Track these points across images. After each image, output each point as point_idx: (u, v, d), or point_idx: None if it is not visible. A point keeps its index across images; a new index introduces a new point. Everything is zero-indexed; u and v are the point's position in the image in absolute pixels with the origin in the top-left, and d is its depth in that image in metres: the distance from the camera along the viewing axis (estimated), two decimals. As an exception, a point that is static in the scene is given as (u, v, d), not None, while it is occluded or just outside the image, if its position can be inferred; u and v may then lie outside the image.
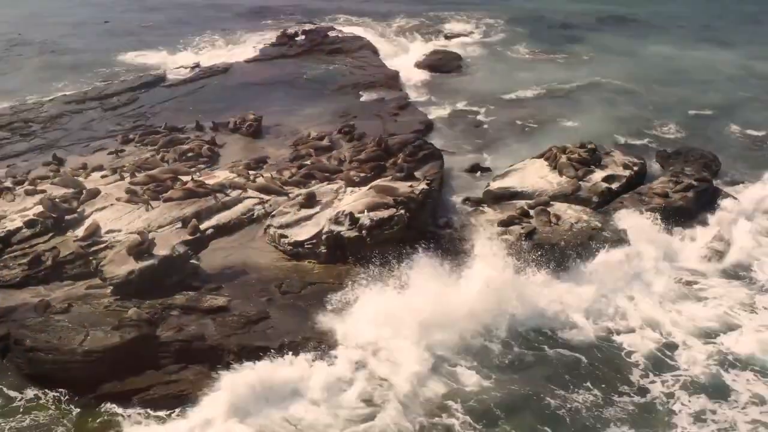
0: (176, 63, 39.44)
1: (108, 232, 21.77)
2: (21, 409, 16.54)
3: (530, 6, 54.35)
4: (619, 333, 18.48)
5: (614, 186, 24.19)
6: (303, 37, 44.22)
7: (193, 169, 25.84)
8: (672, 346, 18.05)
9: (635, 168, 25.39)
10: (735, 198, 24.44)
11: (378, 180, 23.99)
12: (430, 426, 15.61)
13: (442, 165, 26.91)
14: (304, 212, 22.01)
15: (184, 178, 24.36)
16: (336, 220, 20.83)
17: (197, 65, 38.46)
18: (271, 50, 42.32)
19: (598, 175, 24.51)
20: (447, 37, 46.04)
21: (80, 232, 21.71)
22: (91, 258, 20.91)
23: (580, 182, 24.04)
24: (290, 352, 17.32)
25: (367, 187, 22.72)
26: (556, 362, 17.35)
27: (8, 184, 24.89)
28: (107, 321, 18.33)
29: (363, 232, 20.26)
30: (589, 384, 16.75)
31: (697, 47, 43.55)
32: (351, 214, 20.61)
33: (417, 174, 24.49)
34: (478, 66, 40.86)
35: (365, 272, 19.44)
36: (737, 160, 28.60)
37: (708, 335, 18.43)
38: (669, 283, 20.18)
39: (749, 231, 22.85)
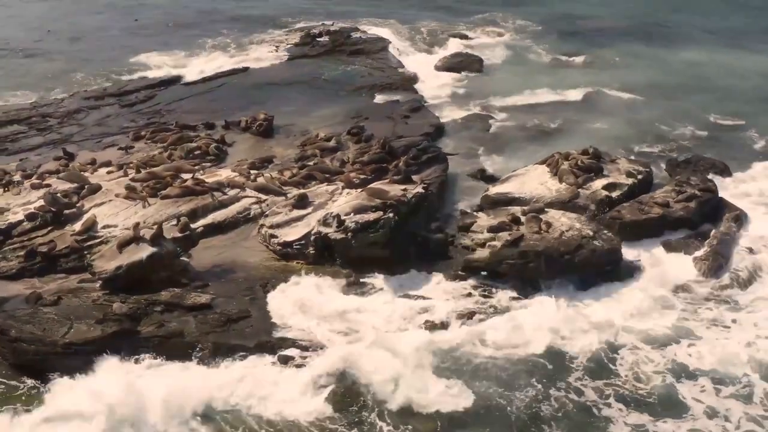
0: (195, 64, 39.84)
1: (104, 227, 22.21)
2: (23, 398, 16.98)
3: (561, 11, 53.60)
4: (572, 340, 18.33)
5: (615, 194, 23.80)
6: (326, 38, 44.36)
7: (197, 167, 26.15)
8: (623, 355, 17.89)
9: (639, 176, 24.95)
10: (741, 210, 23.76)
11: (376, 182, 24.00)
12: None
13: (445, 169, 26.83)
14: (296, 213, 22.18)
15: (185, 176, 24.65)
16: (324, 222, 20.93)
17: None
18: (294, 50, 42.67)
19: (598, 183, 24.15)
20: (471, 39, 45.66)
21: (78, 226, 22.13)
22: (85, 252, 21.34)
23: (580, 189, 23.69)
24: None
25: (360, 189, 22.66)
26: (508, 368, 17.27)
27: (17, 177, 25.51)
28: (93, 315, 18.73)
29: (348, 234, 20.27)
30: (541, 388, 16.81)
31: (724, 54, 42.44)
32: (338, 215, 20.66)
33: (418, 177, 24.41)
34: (500, 69, 40.52)
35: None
36: (751, 170, 27.76)
37: (664, 345, 18.19)
38: (646, 294, 19.75)
39: (748, 247, 22.20)
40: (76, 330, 18.09)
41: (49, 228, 22.35)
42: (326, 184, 24.68)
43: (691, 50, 43.48)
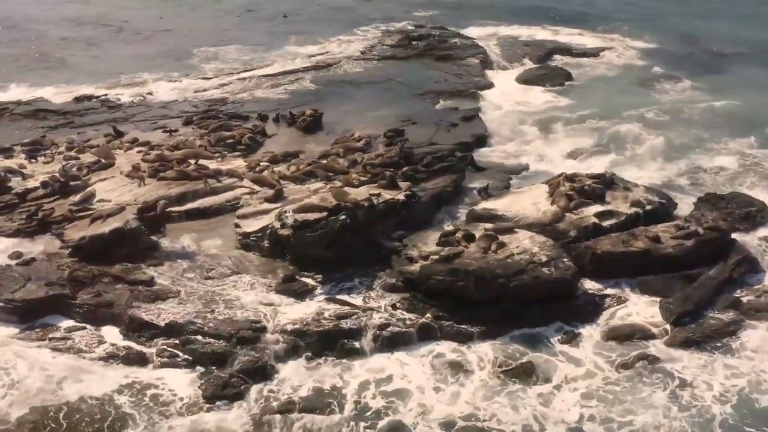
0: (283, 55, 41.57)
1: (99, 201, 23.83)
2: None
3: (684, 30, 49.42)
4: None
5: (606, 223, 22.14)
6: (424, 42, 44.39)
7: (216, 155, 27.33)
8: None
9: (648, 207, 23.02)
10: (747, 254, 21.36)
11: (365, 185, 24.03)
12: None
13: (458, 179, 26.19)
14: (265, 206, 22.65)
15: (193, 161, 25.88)
16: (279, 217, 21.25)
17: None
18: (385, 50, 43.13)
19: (592, 209, 22.58)
20: (574, 52, 43.83)
21: (77, 197, 23.95)
22: (75, 221, 23.07)
23: (568, 214, 22.34)
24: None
25: (327, 189, 22.82)
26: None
27: (62, 148, 27.98)
28: (50, 278, 20.26)
29: (288, 231, 20.50)
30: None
31: None
32: (285, 212, 20.94)
33: (405, 185, 24.09)
34: (587, 85, 38.47)
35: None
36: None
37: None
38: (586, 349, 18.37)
39: (737, 296, 19.94)
40: (25, 289, 19.70)
41: (56, 196, 24.30)
42: (324, 182, 24.94)
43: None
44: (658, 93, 37.60)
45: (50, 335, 18.64)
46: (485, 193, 24.92)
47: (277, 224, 21.01)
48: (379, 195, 22.51)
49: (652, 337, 18.87)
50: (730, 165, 28.91)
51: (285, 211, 21.00)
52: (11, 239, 22.70)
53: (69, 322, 19.21)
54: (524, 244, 20.34)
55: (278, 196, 23.08)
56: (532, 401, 16.85)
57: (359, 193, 22.41)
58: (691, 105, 34.91)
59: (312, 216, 20.57)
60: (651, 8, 56.22)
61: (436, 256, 19.77)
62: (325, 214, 20.62)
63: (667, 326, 19.14)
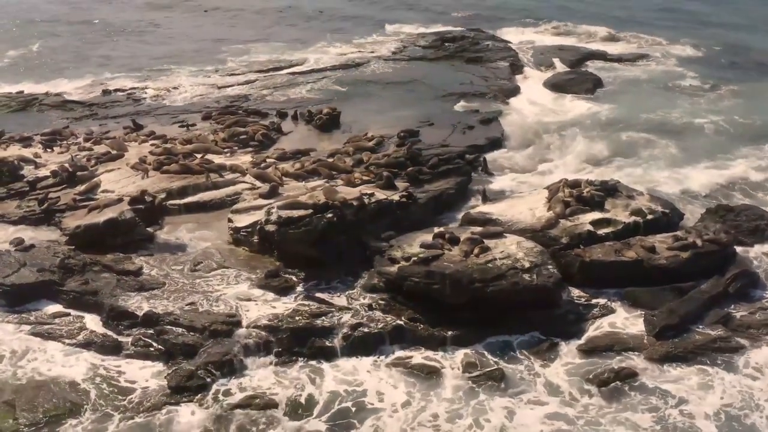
0: (316, 52, 41.99)
1: (103, 191, 24.40)
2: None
3: (733, 39, 47.83)
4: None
5: (602, 231, 21.57)
6: (458, 43, 44.16)
7: (226, 150, 27.68)
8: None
9: (650, 216, 22.37)
10: (746, 270, 20.59)
11: (363, 185, 24.03)
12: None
13: (464, 182, 25.95)
14: (259, 202, 22.83)
15: (201, 155, 26.30)
16: (267, 213, 21.40)
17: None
18: (417, 51, 43.08)
19: (589, 216, 22.06)
20: (611, 57, 42.95)
21: (82, 187, 24.55)
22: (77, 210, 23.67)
23: (563, 221, 21.90)
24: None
25: (321, 187, 22.88)
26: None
27: (80, 139, 28.77)
28: (44, 264, 20.81)
29: (273, 227, 20.62)
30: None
31: None
32: (271, 208, 21.08)
33: (402, 185, 24.04)
34: (616, 92, 37.50)
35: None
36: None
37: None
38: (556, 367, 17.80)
39: (728, 311, 19.22)
40: (18, 274, 20.30)
41: (64, 185, 24.96)
42: (326, 180, 25.02)
43: None
44: (687, 101, 36.28)
45: (32, 319, 19.07)
46: (484, 197, 24.61)
47: (264, 220, 21.10)
48: (371, 195, 22.41)
49: (632, 350, 18.25)
50: (750, 177, 27.81)
51: (272, 207, 21.09)
52: (17, 225, 23.33)
53: (55, 308, 19.63)
54: (510, 249, 19.99)
55: (272, 193, 23.20)
56: (497, 414, 16.42)
57: (351, 193, 22.31)
58: (719, 115, 33.71)
59: (296, 213, 20.61)
60: (697, 17, 54.57)
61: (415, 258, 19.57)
62: (310, 211, 20.63)
63: (648, 339, 18.52)
